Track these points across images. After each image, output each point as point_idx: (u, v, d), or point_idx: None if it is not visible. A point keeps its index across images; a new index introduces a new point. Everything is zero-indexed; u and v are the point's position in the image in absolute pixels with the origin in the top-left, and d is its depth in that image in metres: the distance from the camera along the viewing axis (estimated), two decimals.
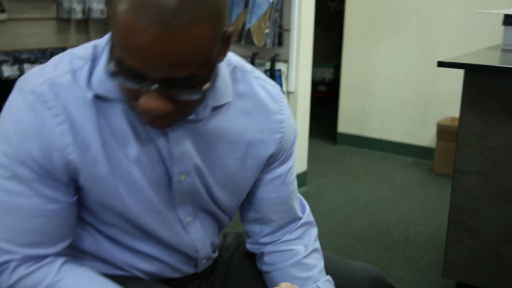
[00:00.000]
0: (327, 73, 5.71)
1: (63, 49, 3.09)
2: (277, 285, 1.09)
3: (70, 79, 0.86)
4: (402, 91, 4.04)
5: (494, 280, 2.00)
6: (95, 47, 0.90)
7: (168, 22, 0.71)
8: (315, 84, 5.21)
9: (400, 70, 4.02)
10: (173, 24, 0.71)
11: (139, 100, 0.80)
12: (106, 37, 0.89)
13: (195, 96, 0.79)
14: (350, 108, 4.30)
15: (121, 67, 0.77)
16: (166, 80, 0.76)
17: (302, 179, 3.33)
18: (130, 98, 0.82)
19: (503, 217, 1.94)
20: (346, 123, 4.36)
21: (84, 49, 0.90)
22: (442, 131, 3.64)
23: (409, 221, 2.98)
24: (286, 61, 3.19)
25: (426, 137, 3.99)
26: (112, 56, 0.78)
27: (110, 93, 0.87)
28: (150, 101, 0.78)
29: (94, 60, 0.88)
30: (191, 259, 1.07)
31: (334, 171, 3.72)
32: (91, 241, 0.99)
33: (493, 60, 2.11)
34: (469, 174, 1.99)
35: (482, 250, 2.01)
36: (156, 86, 0.76)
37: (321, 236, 2.73)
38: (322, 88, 5.71)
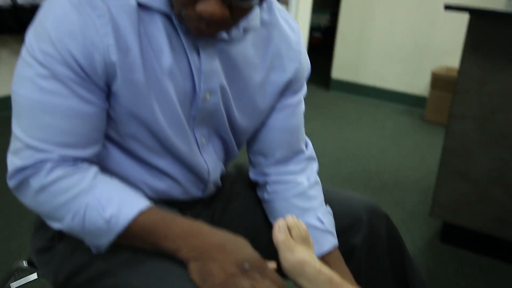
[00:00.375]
0: (323, 20, 5.67)
1: None
2: (278, 215, 1.13)
3: None
4: (399, 39, 4.04)
5: (480, 221, 2.08)
6: None
7: None
8: (310, 30, 5.18)
9: (398, 18, 4.02)
10: None
11: (197, 5, 0.83)
12: None
13: (248, 3, 0.83)
14: (346, 55, 4.31)
15: None
16: None
17: None
18: (187, 4, 0.84)
19: (494, 161, 2.01)
20: (341, 70, 4.37)
21: None
22: (437, 79, 3.68)
23: (399, 165, 3.05)
24: (286, 2, 3.18)
25: (420, 86, 4.03)
26: None
27: (153, 2, 0.89)
28: (210, 6, 0.82)
29: None
30: (202, 182, 1.10)
31: (326, 116, 3.76)
32: (105, 155, 1.01)
33: (498, 6, 2.13)
34: (464, 118, 2.04)
35: (470, 192, 2.09)
36: None
37: None
38: (317, 34, 5.67)
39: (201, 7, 0.83)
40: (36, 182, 0.88)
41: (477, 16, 1.93)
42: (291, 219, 0.98)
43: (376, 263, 1.17)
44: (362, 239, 1.15)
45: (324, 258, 1.10)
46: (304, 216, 1.11)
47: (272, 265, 0.88)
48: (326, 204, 1.16)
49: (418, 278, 1.20)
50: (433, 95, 3.70)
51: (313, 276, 0.91)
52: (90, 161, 0.94)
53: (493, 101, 1.97)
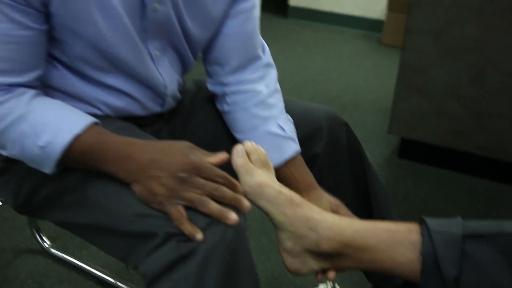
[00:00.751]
0: None
1: None
2: (239, 125, 1.13)
3: None
4: None
5: (436, 134, 2.13)
6: None
7: None
8: None
9: None
10: None
11: None
12: None
13: None
14: None
15: None
16: None
17: None
18: None
19: (449, 75, 2.03)
20: None
21: None
22: (393, 1, 3.66)
23: (357, 88, 3.07)
24: None
25: (377, 9, 4.01)
26: None
27: None
28: None
29: None
30: (159, 96, 1.08)
31: (285, 44, 3.72)
32: (59, 77, 0.97)
33: None
34: (419, 33, 2.04)
35: (427, 107, 2.12)
36: None
37: None
38: None
39: None
40: None
41: None
42: (249, 144, 0.98)
43: (337, 170, 1.19)
44: (323, 147, 1.16)
45: (287, 164, 1.11)
46: (265, 125, 1.11)
47: (212, 159, 0.87)
48: (286, 113, 1.16)
49: (377, 183, 1.22)
50: (390, 17, 3.70)
51: (274, 197, 0.92)
52: (29, 86, 0.90)
53: (448, 14, 1.97)
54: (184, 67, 1.14)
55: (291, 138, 1.11)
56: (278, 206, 0.92)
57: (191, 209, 0.82)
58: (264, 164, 0.98)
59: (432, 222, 0.85)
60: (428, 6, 2.00)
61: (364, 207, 1.20)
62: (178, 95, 1.16)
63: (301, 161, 1.12)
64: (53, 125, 0.87)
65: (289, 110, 1.17)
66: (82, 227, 0.94)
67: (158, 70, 1.04)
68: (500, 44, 1.91)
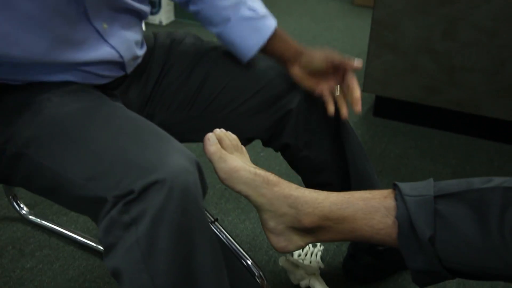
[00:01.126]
0: None
1: None
2: (213, 22, 1.14)
3: None
4: None
5: (410, 90, 2.15)
6: None
7: None
8: None
9: None
10: None
11: None
12: None
13: None
14: None
15: None
16: None
17: None
18: None
19: (420, 30, 2.04)
20: None
21: None
22: None
23: (331, 49, 3.07)
24: None
25: None
26: None
27: None
28: None
29: None
30: (116, 64, 1.06)
31: None
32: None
33: None
34: None
35: (400, 63, 2.13)
36: None
37: None
38: None
39: None
40: None
41: None
42: (218, 131, 1.00)
43: (313, 125, 1.19)
44: (298, 103, 1.16)
45: (270, 41, 1.13)
46: (237, 12, 1.11)
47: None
48: (259, 70, 1.16)
49: (352, 136, 1.23)
50: None
51: (250, 180, 0.93)
52: None
53: None
54: (140, 18, 1.12)
55: (265, 16, 1.14)
56: (256, 188, 0.93)
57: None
58: (236, 148, 1.00)
59: (404, 186, 0.88)
60: None
61: (340, 160, 1.21)
62: (140, 52, 1.13)
63: (281, 32, 1.15)
64: None
65: (263, 66, 1.17)
66: (46, 193, 0.93)
67: (109, 42, 1.02)
68: None
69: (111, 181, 0.80)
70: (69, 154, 0.86)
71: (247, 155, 1.03)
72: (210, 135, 0.97)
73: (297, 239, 0.95)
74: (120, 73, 1.09)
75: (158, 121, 1.17)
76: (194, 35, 1.24)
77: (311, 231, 0.93)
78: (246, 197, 0.95)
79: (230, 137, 1.00)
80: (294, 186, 0.95)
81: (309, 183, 1.26)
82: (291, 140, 1.18)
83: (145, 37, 1.21)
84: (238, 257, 1.19)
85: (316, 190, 0.94)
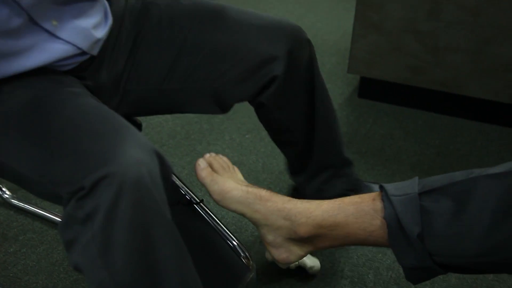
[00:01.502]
0: None
1: None
2: None
3: None
4: None
5: (394, 71, 2.15)
6: None
7: None
8: None
9: None
10: None
11: None
12: None
13: None
14: None
15: None
16: None
17: None
18: None
19: (405, 10, 2.03)
20: None
21: None
22: None
23: (316, 30, 3.05)
24: None
25: None
26: None
27: None
28: None
29: None
30: (78, 53, 0.99)
31: None
32: None
33: None
34: None
35: (384, 44, 2.12)
36: None
37: None
38: None
39: None
40: None
41: None
42: (208, 155, 1.04)
43: (292, 90, 1.19)
44: (283, 70, 1.14)
45: None
46: None
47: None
48: (240, 33, 1.12)
49: (327, 103, 1.24)
50: None
51: (242, 198, 0.97)
52: None
53: None
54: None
55: None
56: (249, 205, 0.97)
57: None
58: (226, 170, 1.06)
59: (390, 187, 0.89)
60: None
61: (309, 123, 1.22)
62: (101, 32, 1.04)
63: None
64: None
65: (252, 25, 1.13)
66: (16, 184, 0.92)
67: (62, 38, 0.95)
68: None
69: (63, 177, 0.78)
70: (21, 149, 0.84)
71: (239, 174, 1.09)
72: (200, 161, 1.01)
73: (296, 249, 0.98)
74: (86, 57, 1.02)
75: (136, 96, 1.12)
76: None
77: (308, 240, 0.96)
78: (242, 215, 0.99)
79: (220, 160, 1.06)
80: (286, 198, 0.98)
81: (276, 140, 1.30)
82: (267, 101, 1.18)
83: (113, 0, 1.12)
84: (224, 238, 1.19)
85: (308, 200, 0.97)
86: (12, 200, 1.55)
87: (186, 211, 1.17)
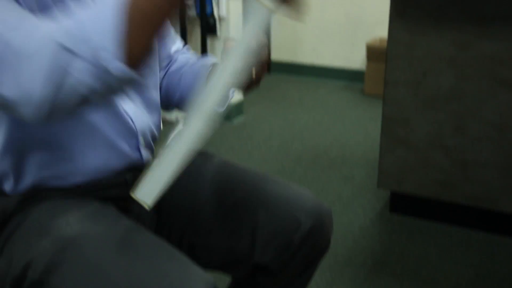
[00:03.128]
0: None
1: None
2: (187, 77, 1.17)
3: None
4: (332, 15, 4.05)
5: (424, 186, 2.10)
6: None
7: None
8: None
9: None
10: None
11: None
12: None
13: None
14: (282, 35, 4.29)
15: None
16: None
17: (238, 108, 3.33)
18: None
19: (430, 125, 2.02)
20: (279, 51, 4.35)
21: None
22: (371, 51, 3.69)
23: (344, 141, 3.06)
24: None
25: (356, 60, 4.05)
26: None
27: None
28: None
29: None
30: (130, 132, 1.03)
31: (270, 99, 3.73)
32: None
33: None
34: (398, 85, 2.04)
35: (412, 158, 2.09)
36: None
37: (261, 162, 2.77)
38: None
39: None
40: None
41: None
42: None
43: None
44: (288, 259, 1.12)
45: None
46: (203, 69, 1.15)
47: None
48: (268, 209, 1.11)
49: None
50: (370, 67, 3.72)
51: None
52: None
53: (423, 64, 1.98)
54: (151, 111, 1.10)
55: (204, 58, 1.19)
56: None
57: None
58: None
59: None
60: (404, 58, 2.00)
61: None
62: (152, 143, 1.10)
63: None
64: None
65: (269, 199, 1.11)
66: None
67: (122, 107, 1.01)
68: (476, 93, 1.90)
69: None
70: (89, 283, 0.85)
71: None
72: None
73: None
74: (136, 155, 1.06)
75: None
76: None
77: None
78: None
79: None
80: None
81: None
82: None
83: None
84: None
85: None
86: None
87: None
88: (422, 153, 2.07)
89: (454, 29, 1.88)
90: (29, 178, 0.97)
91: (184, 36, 3.13)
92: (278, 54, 4.36)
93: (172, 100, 1.22)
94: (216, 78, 0.80)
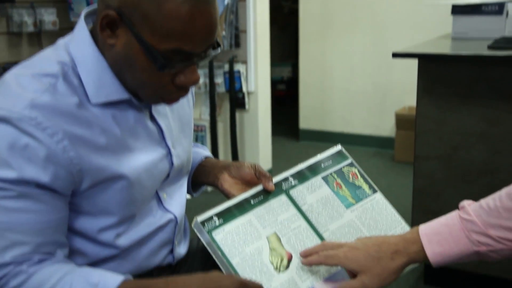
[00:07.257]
0: (285, 72, 5.77)
1: (16, 63, 3.02)
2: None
3: (51, 97, 0.88)
4: (360, 84, 4.13)
5: None
6: (61, 63, 0.92)
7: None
8: (274, 83, 5.26)
9: (356, 64, 4.11)
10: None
11: (177, 79, 0.88)
12: (60, 51, 0.93)
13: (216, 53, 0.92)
14: (310, 104, 4.38)
15: (176, 55, 0.85)
16: (205, 50, 0.88)
17: None
18: (166, 83, 0.89)
19: (463, 198, 2.02)
20: (307, 119, 4.42)
21: (49, 66, 0.92)
22: (401, 120, 3.74)
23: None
24: (245, 62, 3.23)
25: (386, 127, 4.09)
26: (153, 54, 0.84)
27: (111, 96, 0.93)
28: (194, 73, 0.88)
29: (65, 75, 0.91)
30: (168, 237, 1.09)
31: None
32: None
33: (444, 48, 2.19)
34: (429, 159, 2.06)
35: None
36: (203, 57, 0.88)
37: None
38: (281, 86, 5.76)
39: (186, 78, 0.88)
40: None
41: (425, 60, 1.98)
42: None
43: None
44: None
45: (204, 162, 1.23)
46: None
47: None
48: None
49: None
50: (400, 135, 3.76)
51: None
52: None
53: (454, 139, 2.00)
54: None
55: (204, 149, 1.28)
56: None
57: None
58: None
59: None
60: (433, 133, 2.04)
61: None
62: (185, 224, 1.18)
63: (212, 159, 1.24)
64: (98, 273, 0.91)
65: None
66: None
67: (166, 208, 1.08)
68: (509, 166, 1.92)
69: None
70: None
71: None
72: None
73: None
74: (169, 259, 1.11)
75: None
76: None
77: None
78: None
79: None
80: None
81: None
82: None
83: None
84: None
85: None
86: None
87: None
88: None
89: (483, 105, 1.92)
90: None
91: (213, 110, 3.25)
92: (306, 123, 4.43)
93: None
94: None
